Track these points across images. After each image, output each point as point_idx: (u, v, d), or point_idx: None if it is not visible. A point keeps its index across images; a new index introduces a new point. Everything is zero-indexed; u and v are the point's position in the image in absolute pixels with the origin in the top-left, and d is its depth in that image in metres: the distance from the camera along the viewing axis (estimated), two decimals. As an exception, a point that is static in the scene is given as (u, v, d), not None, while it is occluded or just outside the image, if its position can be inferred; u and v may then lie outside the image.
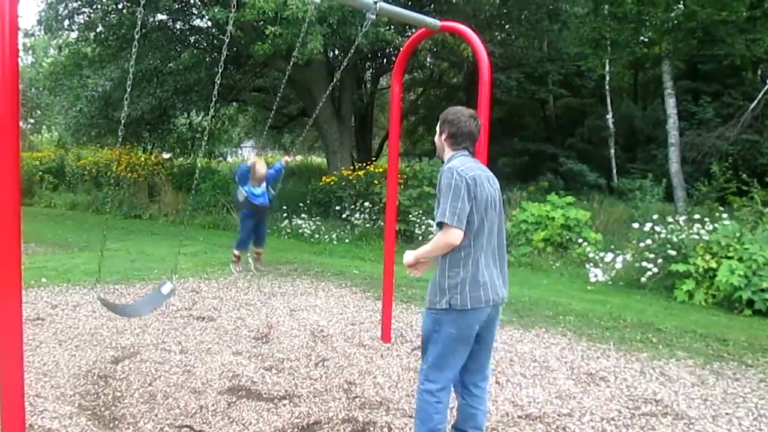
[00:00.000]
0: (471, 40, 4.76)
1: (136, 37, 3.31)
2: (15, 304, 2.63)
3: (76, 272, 7.89)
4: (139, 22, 3.47)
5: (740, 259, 7.32)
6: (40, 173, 20.64)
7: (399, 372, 4.67)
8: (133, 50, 3.33)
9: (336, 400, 4.11)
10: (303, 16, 9.37)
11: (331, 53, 14.91)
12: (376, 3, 4.18)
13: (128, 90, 3.34)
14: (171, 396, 4.10)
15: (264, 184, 5.04)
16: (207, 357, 4.87)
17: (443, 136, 3.17)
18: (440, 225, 2.94)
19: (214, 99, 4.34)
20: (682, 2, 13.59)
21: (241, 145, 32.57)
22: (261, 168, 5.24)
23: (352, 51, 5.06)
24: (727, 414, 4.07)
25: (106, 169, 18.52)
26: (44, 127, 31.03)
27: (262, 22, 9.84)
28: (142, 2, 3.52)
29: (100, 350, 4.95)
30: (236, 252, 5.00)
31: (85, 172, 19.38)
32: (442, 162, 3.15)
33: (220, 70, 3.77)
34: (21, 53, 30.76)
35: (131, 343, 5.15)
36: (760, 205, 9.37)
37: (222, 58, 3.73)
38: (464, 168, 2.96)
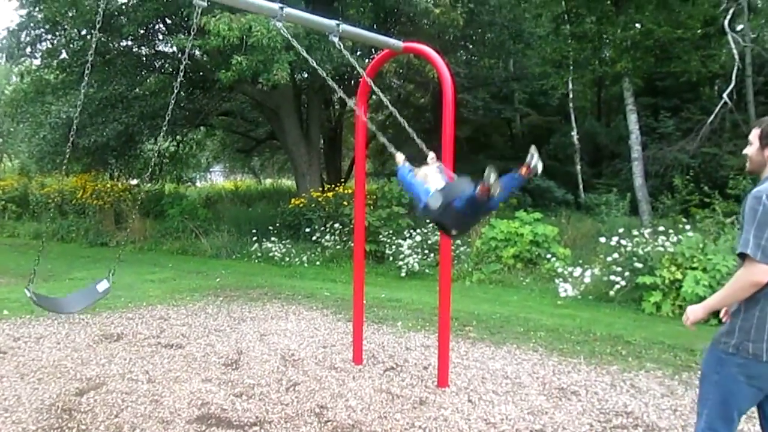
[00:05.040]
0: (434, 61, 4.82)
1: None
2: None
3: (39, 303, 7.68)
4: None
5: (704, 270, 7.46)
6: (3, 202, 20.16)
7: (371, 394, 4.64)
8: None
9: (308, 425, 4.06)
10: (268, 42, 9.38)
11: (298, 76, 14.94)
12: (338, 25, 4.22)
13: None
14: (138, 427, 4.00)
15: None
16: (175, 385, 4.78)
17: None
18: (742, 257, 2.55)
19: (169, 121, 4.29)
20: (639, 21, 13.98)
21: (210, 170, 32.34)
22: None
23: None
24: (695, 423, 4.11)
25: (71, 197, 18.19)
26: (5, 155, 30.40)
27: (228, 49, 9.81)
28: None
29: (64, 382, 4.82)
30: None
31: (50, 200, 18.99)
32: (755, 181, 2.77)
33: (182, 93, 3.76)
34: (-19, 81, 30.23)
35: (96, 374, 5.02)
36: (721, 216, 9.58)
37: (176, 85, 3.72)
38: None
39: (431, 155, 4.02)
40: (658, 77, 15.99)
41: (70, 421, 4.09)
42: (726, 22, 12.56)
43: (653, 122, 15.66)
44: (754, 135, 2.74)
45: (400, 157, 3.98)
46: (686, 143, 13.81)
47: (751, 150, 2.76)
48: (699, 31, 14.14)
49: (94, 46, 3.30)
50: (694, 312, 2.80)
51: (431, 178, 3.73)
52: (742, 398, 2.64)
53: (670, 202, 12.72)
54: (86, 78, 3.33)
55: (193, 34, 3.85)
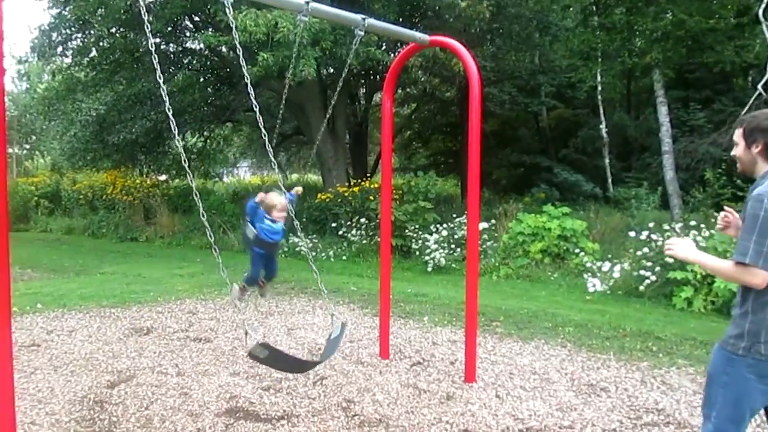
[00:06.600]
0: (460, 54, 4.77)
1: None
2: (4, 332, 2.60)
3: (72, 297, 7.83)
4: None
5: (738, 265, 7.30)
6: (36, 198, 20.59)
7: (398, 388, 4.63)
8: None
9: (335, 419, 4.07)
10: (294, 38, 9.41)
11: (324, 71, 14.97)
12: (364, 19, 4.20)
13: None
14: (168, 419, 4.05)
15: (283, 217, 4.47)
16: (204, 379, 4.82)
17: (757, 148, 2.59)
18: (741, 266, 2.47)
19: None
20: (670, 11, 13.69)
21: (237, 165, 32.64)
22: (277, 198, 4.45)
23: (345, 71, 5.04)
24: (729, 421, 4.03)
25: (101, 192, 18.50)
26: (38, 152, 31.02)
27: (254, 45, 9.85)
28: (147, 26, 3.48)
29: (96, 375, 4.90)
30: (244, 285, 4.44)
31: (81, 196, 19.36)
32: (752, 180, 2.68)
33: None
34: (15, 80, 30.88)
35: (127, 367, 5.10)
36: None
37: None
38: None
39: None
40: (689, 69, 15.66)
41: (101, 412, 4.16)
42: (761, 11, 12.23)
43: (684, 114, 15.36)
44: (738, 135, 2.68)
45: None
46: (718, 136, 13.51)
47: (738, 150, 2.69)
48: (732, 20, 13.79)
49: (153, 50, 3.31)
50: (685, 252, 2.72)
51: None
52: (755, 396, 2.59)
53: (702, 196, 12.48)
54: (162, 83, 3.32)
55: (234, 27, 3.85)
